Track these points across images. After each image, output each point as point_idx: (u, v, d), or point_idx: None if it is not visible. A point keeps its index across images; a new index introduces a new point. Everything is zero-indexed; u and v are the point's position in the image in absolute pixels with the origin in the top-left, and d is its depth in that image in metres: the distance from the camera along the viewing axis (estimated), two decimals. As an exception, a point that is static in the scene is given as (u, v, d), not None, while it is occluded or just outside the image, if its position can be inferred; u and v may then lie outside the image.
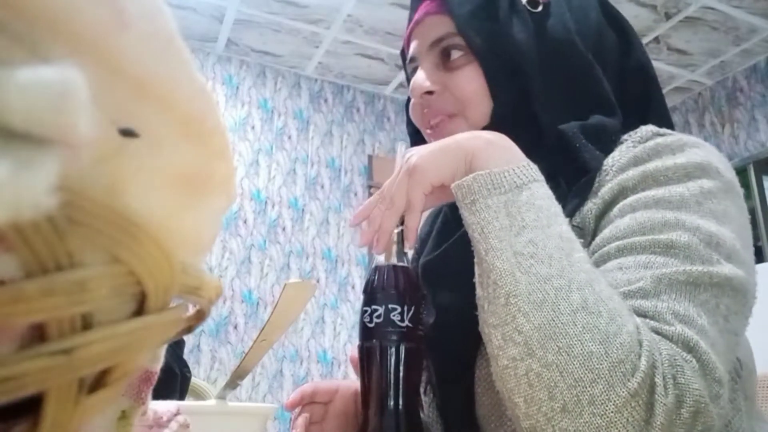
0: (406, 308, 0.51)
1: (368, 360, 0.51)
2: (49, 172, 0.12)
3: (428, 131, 0.67)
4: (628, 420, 0.40)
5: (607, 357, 0.40)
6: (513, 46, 0.62)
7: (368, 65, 3.48)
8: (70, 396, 0.14)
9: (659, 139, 0.56)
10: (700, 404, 0.40)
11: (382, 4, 2.99)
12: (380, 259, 0.54)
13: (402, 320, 0.50)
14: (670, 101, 3.85)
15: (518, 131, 0.61)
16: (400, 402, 0.50)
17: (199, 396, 1.43)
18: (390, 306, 0.51)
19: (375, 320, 0.51)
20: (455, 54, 0.64)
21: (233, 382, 0.52)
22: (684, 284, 0.46)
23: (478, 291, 0.48)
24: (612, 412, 0.40)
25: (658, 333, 0.44)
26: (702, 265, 0.46)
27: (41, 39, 0.13)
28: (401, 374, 0.50)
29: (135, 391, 0.20)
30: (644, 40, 3.26)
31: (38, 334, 0.14)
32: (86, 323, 0.14)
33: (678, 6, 2.99)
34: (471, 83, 0.63)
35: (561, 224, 0.48)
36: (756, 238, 3.35)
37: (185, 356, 2.96)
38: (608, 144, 0.59)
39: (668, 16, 3.07)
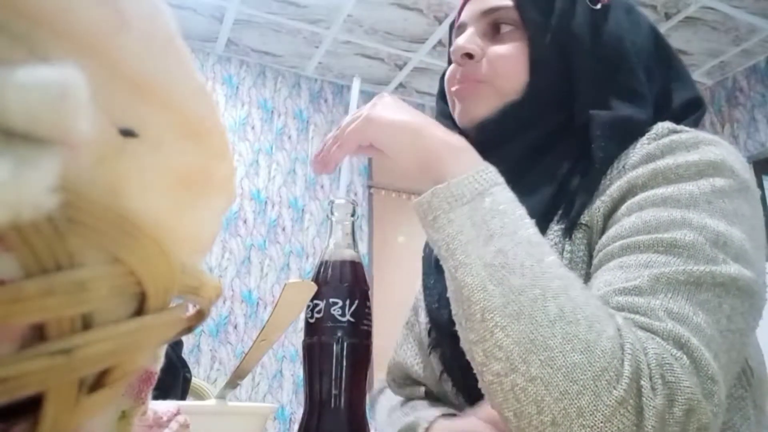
0: (348, 302, 0.49)
1: (309, 357, 0.50)
2: (49, 172, 0.12)
3: (452, 89, 0.66)
4: (618, 428, 0.39)
5: (590, 367, 0.40)
6: (568, 28, 0.63)
7: (368, 65, 3.48)
8: (70, 396, 0.14)
9: (674, 136, 0.55)
10: (692, 402, 0.40)
11: (382, 4, 2.99)
12: (328, 253, 0.53)
13: (343, 315, 0.49)
14: (670, 101, 3.85)
15: (550, 110, 0.62)
16: (342, 400, 0.48)
17: (199, 396, 1.43)
18: (331, 300, 0.49)
19: (316, 315, 0.49)
20: (506, 28, 0.64)
21: (233, 382, 0.52)
22: (683, 284, 0.45)
23: (454, 307, 0.48)
24: (601, 422, 0.39)
25: (647, 329, 0.43)
26: (705, 264, 0.45)
27: (41, 39, 0.13)
28: (343, 371, 0.48)
29: (135, 391, 0.20)
30: (644, 40, 3.26)
31: (38, 334, 0.14)
32: (86, 323, 0.14)
33: (678, 6, 2.99)
34: (512, 56, 0.63)
35: (528, 228, 0.47)
36: (756, 238, 3.35)
37: (185, 356, 2.96)
38: (628, 138, 0.58)
39: (668, 16, 3.07)
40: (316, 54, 3.41)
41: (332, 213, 0.54)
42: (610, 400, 0.39)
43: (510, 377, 0.42)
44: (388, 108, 0.54)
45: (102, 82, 0.15)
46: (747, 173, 0.54)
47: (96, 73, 0.14)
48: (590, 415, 0.39)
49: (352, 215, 0.54)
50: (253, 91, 3.48)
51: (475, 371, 0.46)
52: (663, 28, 3.15)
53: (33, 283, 0.13)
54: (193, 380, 1.36)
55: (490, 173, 0.49)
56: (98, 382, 0.15)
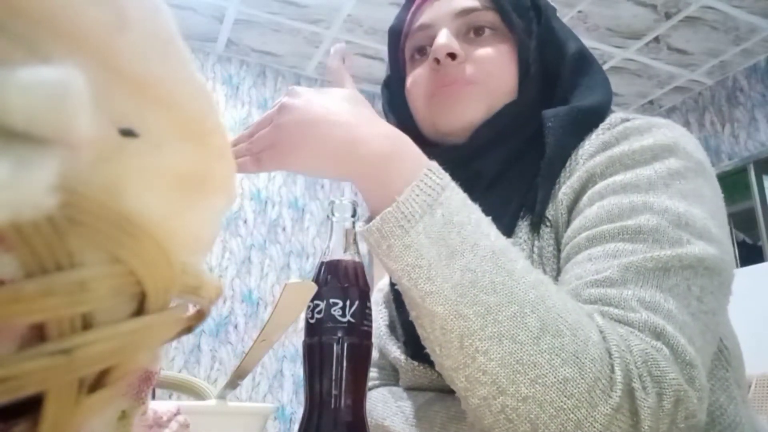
0: (348, 303, 0.49)
1: (309, 357, 0.50)
2: (49, 172, 0.12)
3: (435, 92, 0.63)
4: None
5: (582, 379, 0.39)
6: (550, 31, 0.64)
7: (368, 65, 3.48)
8: (70, 396, 0.14)
9: (627, 123, 0.56)
10: (679, 392, 0.40)
11: (382, 4, 2.99)
12: (329, 254, 0.53)
13: (343, 315, 0.48)
14: (670, 101, 3.85)
15: (535, 113, 0.61)
16: (342, 400, 0.48)
17: (199, 396, 1.43)
18: (331, 300, 0.49)
19: (316, 316, 0.49)
20: (488, 31, 0.63)
21: (233, 382, 0.52)
22: (652, 271, 0.45)
23: (421, 332, 0.45)
24: (599, 431, 0.39)
25: (623, 321, 0.43)
26: (671, 248, 0.45)
27: (41, 39, 0.13)
28: (343, 371, 0.48)
29: (135, 391, 0.20)
30: (644, 40, 3.26)
31: (38, 334, 0.14)
32: (86, 323, 0.14)
33: (678, 6, 2.99)
34: (500, 59, 0.62)
35: (488, 234, 0.45)
36: (756, 237, 3.35)
37: (185, 356, 2.95)
38: (584, 129, 0.59)
39: (668, 16, 3.07)
40: (316, 54, 3.41)
41: (332, 213, 0.54)
42: (607, 409, 0.39)
43: (499, 399, 0.40)
44: (305, 123, 0.48)
45: (102, 82, 0.15)
46: (700, 153, 0.54)
47: (96, 73, 0.14)
48: (588, 426, 0.39)
49: (353, 215, 0.54)
50: (253, 91, 3.48)
51: (457, 395, 0.44)
52: (663, 28, 3.15)
53: (33, 283, 0.13)
54: (193, 380, 1.36)
55: (436, 176, 0.46)
56: (98, 382, 0.15)
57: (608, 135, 0.55)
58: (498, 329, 0.40)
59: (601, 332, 0.41)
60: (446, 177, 0.47)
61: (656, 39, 3.25)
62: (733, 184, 3.42)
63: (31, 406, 0.14)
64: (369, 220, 0.51)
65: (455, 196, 0.46)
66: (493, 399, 0.41)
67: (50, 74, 0.12)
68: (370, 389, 0.73)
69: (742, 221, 3.49)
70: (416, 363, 0.63)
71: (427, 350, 0.46)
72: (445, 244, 0.43)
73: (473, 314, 0.41)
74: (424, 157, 0.48)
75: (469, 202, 0.47)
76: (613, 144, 0.54)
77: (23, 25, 0.13)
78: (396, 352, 0.67)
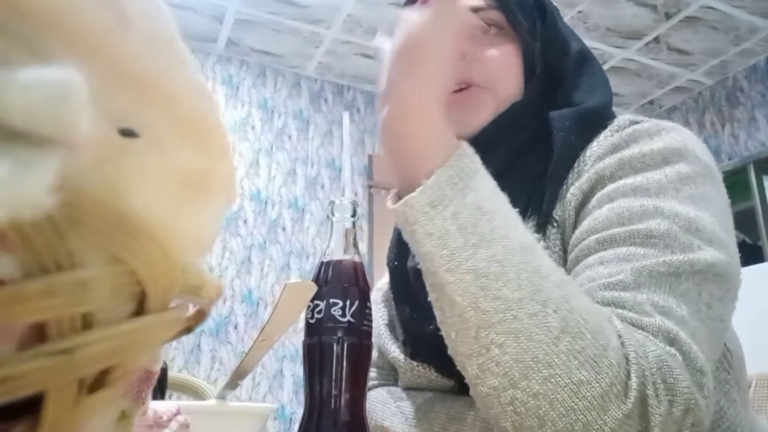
0: (348, 303, 0.49)
1: (309, 357, 0.50)
2: (49, 172, 0.12)
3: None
4: None
5: (598, 383, 0.39)
6: (555, 32, 0.64)
7: (368, 65, 3.48)
8: (70, 396, 0.14)
9: (636, 126, 0.56)
10: (690, 401, 0.40)
11: (382, 4, 2.99)
12: (329, 253, 0.53)
13: (343, 315, 0.48)
14: (670, 101, 3.85)
15: (538, 113, 0.62)
16: (342, 400, 0.48)
17: (199, 396, 1.43)
18: (331, 300, 0.49)
19: (316, 316, 0.49)
20: (493, 30, 0.64)
21: (233, 382, 0.52)
22: (664, 275, 0.45)
23: (439, 314, 0.45)
24: None
25: (637, 325, 0.43)
26: (683, 253, 0.45)
27: (42, 39, 0.13)
28: (343, 371, 0.48)
29: (135, 391, 0.20)
30: (644, 40, 3.26)
31: (38, 334, 0.14)
32: (86, 323, 0.14)
33: (678, 6, 2.99)
34: (506, 60, 0.63)
35: (517, 226, 0.44)
36: (756, 237, 3.35)
37: (185, 356, 2.95)
38: (592, 131, 0.59)
39: (668, 16, 3.07)
40: (316, 54, 3.41)
41: (332, 213, 0.54)
42: (618, 415, 0.38)
43: (509, 391, 0.40)
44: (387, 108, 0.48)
45: (103, 82, 0.15)
46: (708, 157, 0.55)
47: (97, 74, 0.14)
48: (597, 429, 0.39)
49: (353, 215, 0.54)
50: (253, 91, 3.48)
51: (466, 381, 0.44)
52: (663, 28, 3.15)
53: (33, 283, 0.13)
54: (193, 380, 1.36)
55: (467, 157, 0.45)
56: (98, 382, 0.15)
57: (617, 137, 0.56)
58: (516, 326, 0.40)
59: (619, 337, 0.41)
60: (478, 161, 0.46)
61: (656, 39, 3.25)
62: (733, 184, 3.42)
63: (31, 406, 0.14)
64: (398, 194, 0.49)
65: (486, 181, 0.45)
66: (503, 390, 0.40)
67: (50, 74, 0.12)
68: (368, 389, 0.73)
69: (742, 221, 3.49)
70: (415, 363, 0.63)
71: (442, 332, 0.45)
72: (474, 232, 0.42)
73: (492, 309, 0.41)
74: (453, 138, 0.47)
75: (499, 190, 0.46)
76: (622, 146, 0.54)
77: (23, 25, 0.13)
78: (395, 351, 0.67)
